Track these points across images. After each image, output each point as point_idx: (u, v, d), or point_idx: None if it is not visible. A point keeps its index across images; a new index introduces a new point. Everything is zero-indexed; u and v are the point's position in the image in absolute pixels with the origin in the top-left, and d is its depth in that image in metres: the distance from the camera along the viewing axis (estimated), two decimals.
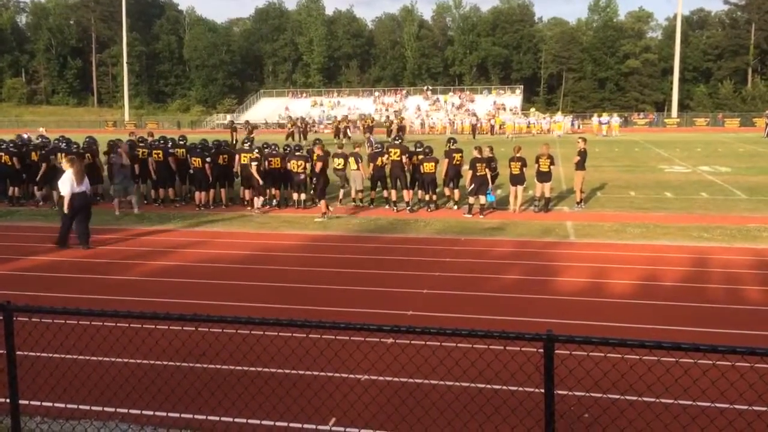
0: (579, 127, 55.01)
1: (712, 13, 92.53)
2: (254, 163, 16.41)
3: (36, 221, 15.68)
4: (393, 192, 16.97)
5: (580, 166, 16.56)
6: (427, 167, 16.44)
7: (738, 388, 4.64)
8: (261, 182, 16.56)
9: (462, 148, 17.52)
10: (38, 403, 5.59)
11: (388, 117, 43.02)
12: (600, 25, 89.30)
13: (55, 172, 15.20)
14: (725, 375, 4.51)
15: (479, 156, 15.98)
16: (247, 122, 38.78)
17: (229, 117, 74.16)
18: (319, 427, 5.38)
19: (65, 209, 12.34)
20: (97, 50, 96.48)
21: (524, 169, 16.08)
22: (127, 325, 6.88)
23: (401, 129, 33.05)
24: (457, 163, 16.85)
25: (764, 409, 4.94)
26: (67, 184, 12.31)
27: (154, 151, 17.47)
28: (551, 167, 16.15)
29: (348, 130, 41.18)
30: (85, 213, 12.59)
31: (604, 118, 53.30)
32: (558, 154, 30.20)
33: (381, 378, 5.98)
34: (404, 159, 16.71)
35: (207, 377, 6.21)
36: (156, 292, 9.54)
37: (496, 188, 16.69)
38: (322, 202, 15.70)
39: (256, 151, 17.03)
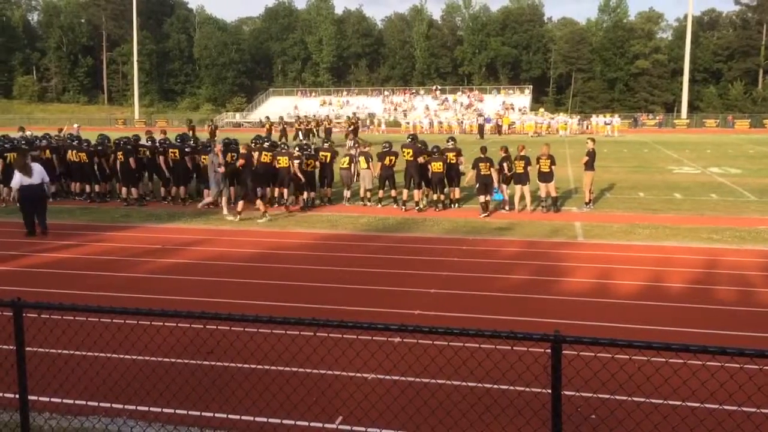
0: (587, 127, 54.96)
1: (723, 13, 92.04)
2: (296, 161, 16.48)
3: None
4: (405, 191, 16.96)
5: (589, 166, 16.54)
6: (435, 167, 16.44)
7: (746, 391, 4.61)
8: (303, 180, 16.64)
9: (458, 148, 17.35)
10: (47, 399, 5.62)
11: (348, 117, 41.91)
12: (610, 25, 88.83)
13: (11, 171, 15.49)
14: (734, 377, 4.49)
15: (482, 156, 16.09)
16: (211, 120, 37.50)
17: (238, 116, 74.32)
18: (326, 425, 5.39)
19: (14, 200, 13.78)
20: (107, 48, 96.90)
21: (528, 167, 16.06)
22: (136, 322, 6.89)
23: (354, 130, 31.91)
24: (451, 161, 16.83)
25: None
26: (15, 178, 13.40)
27: (171, 150, 17.52)
28: (552, 167, 16.11)
29: (300, 133, 38.87)
30: (35, 205, 13.45)
31: (608, 118, 53.81)
32: (567, 154, 30.14)
33: (388, 377, 5.99)
34: (419, 159, 16.67)
35: (214, 375, 6.23)
36: (164, 290, 9.58)
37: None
38: (258, 201, 15.50)
39: (298, 150, 17.10)
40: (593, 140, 17.33)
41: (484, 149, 16.69)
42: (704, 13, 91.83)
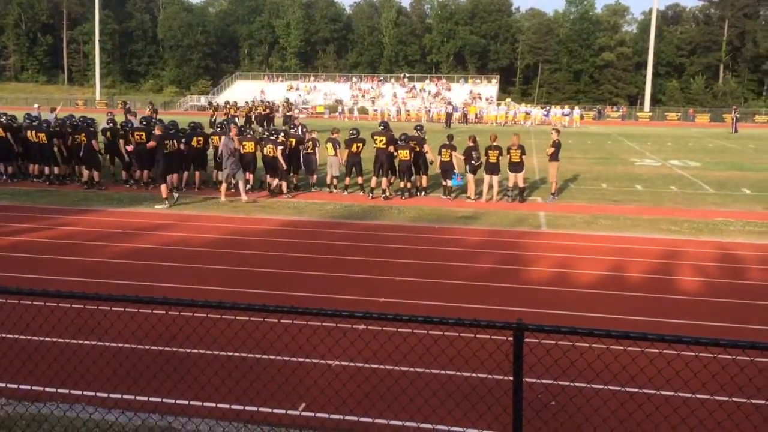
0: (550, 118, 55.62)
1: (686, 8, 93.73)
2: (280, 147, 16.45)
3: (3, 200, 15.37)
4: (374, 179, 16.97)
5: (555, 157, 16.73)
6: (402, 155, 16.49)
7: (701, 378, 4.75)
8: (285, 167, 16.70)
9: (421, 137, 17.33)
10: (3, 385, 5.50)
11: (287, 101, 39.45)
12: (576, 17, 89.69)
13: None
14: (689, 365, 4.61)
15: (447, 143, 16.85)
16: (150, 103, 35.10)
17: (203, 99, 73.02)
18: (289, 412, 5.38)
19: None
20: (68, 27, 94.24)
21: (500, 157, 16.21)
22: (95, 307, 6.78)
23: (288, 118, 30.21)
24: (416, 149, 16.89)
25: (725, 398, 5.06)
26: None
27: (136, 133, 17.15)
28: (522, 157, 16.28)
29: (237, 119, 36.11)
30: None
31: (566, 110, 55.23)
32: (532, 144, 30.43)
33: (352, 364, 6.01)
34: (390, 148, 16.67)
35: (176, 361, 6.17)
36: (125, 275, 9.43)
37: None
38: (163, 186, 15.24)
39: (282, 135, 17.09)
40: (558, 131, 17.53)
41: (450, 137, 17.27)
42: (668, 7, 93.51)
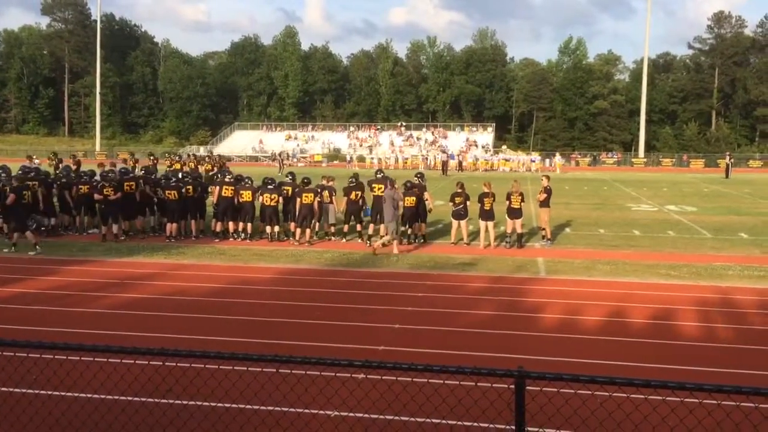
0: (551, 164, 56.14)
1: (677, 57, 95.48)
2: (318, 198, 16.76)
3: (2, 251, 15.34)
4: (371, 226, 17.04)
5: (546, 203, 16.83)
6: (409, 201, 16.55)
7: (705, 426, 4.67)
8: (318, 213, 16.94)
9: (422, 184, 17.50)
10: None
11: (220, 156, 39.46)
12: (570, 66, 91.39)
13: None
14: (693, 412, 4.54)
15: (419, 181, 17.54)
16: (73, 156, 32.90)
17: (202, 149, 73.67)
18: None
19: None
20: (69, 80, 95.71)
21: (494, 203, 16.32)
22: (92, 359, 6.68)
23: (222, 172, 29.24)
24: (418, 196, 17.04)
25: None
26: None
27: (126, 183, 17.23)
28: (522, 204, 16.38)
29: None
30: None
31: (535, 156, 56.84)
32: (528, 191, 30.62)
33: (351, 414, 5.91)
34: None
35: (173, 414, 6.06)
36: (122, 326, 9.35)
37: (469, 221, 17.03)
38: (28, 233, 15.22)
39: (309, 184, 17.25)
40: (548, 177, 17.73)
41: (420, 175, 18.00)
42: (659, 56, 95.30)
